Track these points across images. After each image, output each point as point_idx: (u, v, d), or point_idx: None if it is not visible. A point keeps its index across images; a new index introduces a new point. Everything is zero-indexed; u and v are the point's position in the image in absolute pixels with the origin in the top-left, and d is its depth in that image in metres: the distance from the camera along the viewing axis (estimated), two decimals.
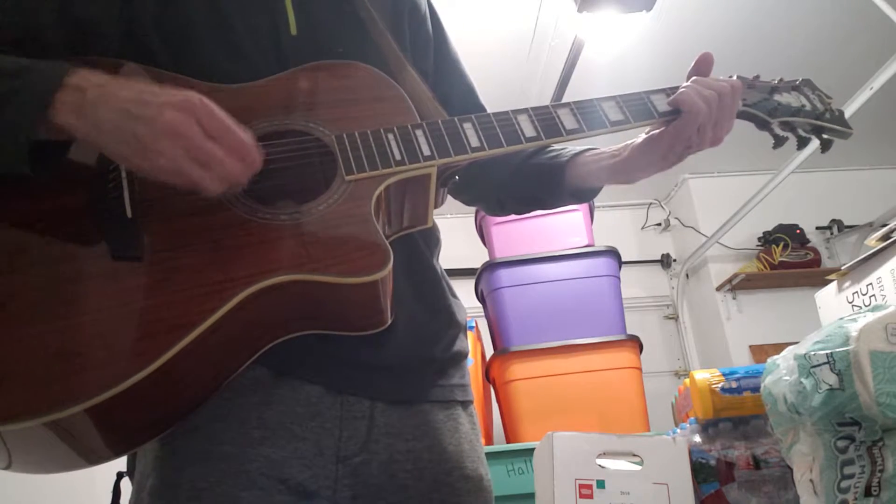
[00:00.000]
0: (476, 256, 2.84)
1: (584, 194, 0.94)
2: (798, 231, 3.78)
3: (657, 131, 0.85)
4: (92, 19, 0.78)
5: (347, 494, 0.75)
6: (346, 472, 0.75)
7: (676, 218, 4.18)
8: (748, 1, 2.81)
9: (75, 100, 0.64)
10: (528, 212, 1.04)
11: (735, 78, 0.88)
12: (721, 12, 2.85)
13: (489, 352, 2.69)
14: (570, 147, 0.94)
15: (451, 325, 0.89)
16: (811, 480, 1.30)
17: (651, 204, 4.27)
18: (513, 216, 1.92)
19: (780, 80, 0.94)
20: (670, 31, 2.89)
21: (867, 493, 1.17)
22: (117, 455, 0.69)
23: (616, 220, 4.07)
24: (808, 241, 3.79)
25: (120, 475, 0.81)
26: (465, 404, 0.87)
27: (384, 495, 0.76)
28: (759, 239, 3.85)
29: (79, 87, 0.65)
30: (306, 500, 0.73)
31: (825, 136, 0.92)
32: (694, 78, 0.85)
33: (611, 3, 2.30)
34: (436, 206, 0.84)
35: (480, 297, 2.83)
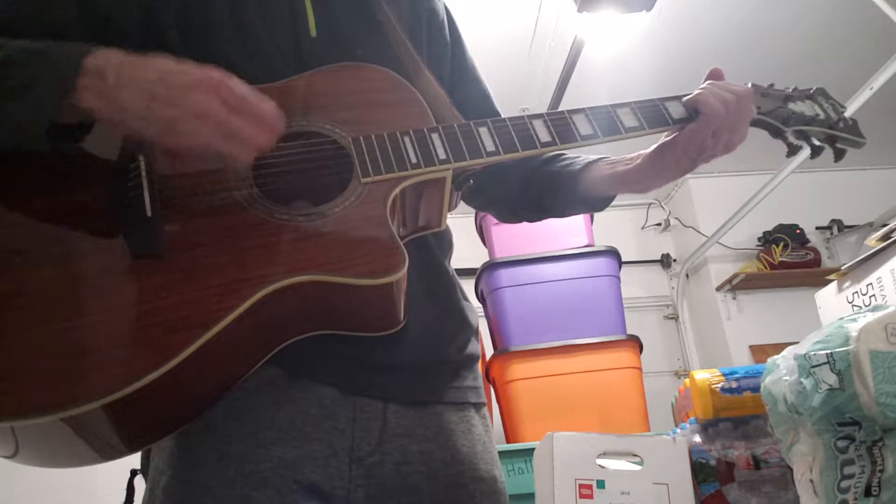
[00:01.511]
0: (476, 256, 2.84)
1: (596, 203, 0.94)
2: (798, 231, 3.79)
3: (670, 137, 0.85)
4: (112, 17, 0.78)
5: (361, 495, 0.75)
6: (360, 472, 0.75)
7: (676, 218, 4.18)
8: (748, 1, 2.81)
9: (97, 83, 0.65)
10: (541, 219, 1.04)
11: (750, 85, 0.88)
12: (721, 12, 2.85)
13: (489, 352, 2.69)
14: (584, 156, 0.94)
15: (463, 327, 0.89)
16: (811, 480, 1.30)
17: (651, 204, 4.27)
18: None
19: (794, 88, 0.95)
20: (670, 31, 2.89)
21: (867, 493, 1.17)
22: (131, 451, 0.69)
23: (616, 220, 4.06)
24: (808, 241, 3.79)
25: (134, 472, 0.82)
26: (478, 406, 0.88)
27: (398, 496, 0.76)
28: (759, 239, 3.85)
29: (98, 70, 0.66)
30: (320, 500, 0.73)
31: (839, 145, 0.93)
32: (710, 81, 0.85)
33: (611, 2, 2.30)
34: (449, 209, 0.85)
35: (480, 297, 2.83)
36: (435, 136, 0.79)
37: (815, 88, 0.96)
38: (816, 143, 0.91)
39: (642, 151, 0.88)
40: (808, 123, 0.91)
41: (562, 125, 0.82)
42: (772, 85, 0.93)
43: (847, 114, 0.96)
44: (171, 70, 0.67)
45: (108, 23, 0.78)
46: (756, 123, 0.89)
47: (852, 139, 0.93)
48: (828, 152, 0.93)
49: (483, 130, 0.81)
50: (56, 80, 0.65)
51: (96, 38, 0.76)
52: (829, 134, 0.92)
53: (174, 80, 0.66)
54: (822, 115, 0.93)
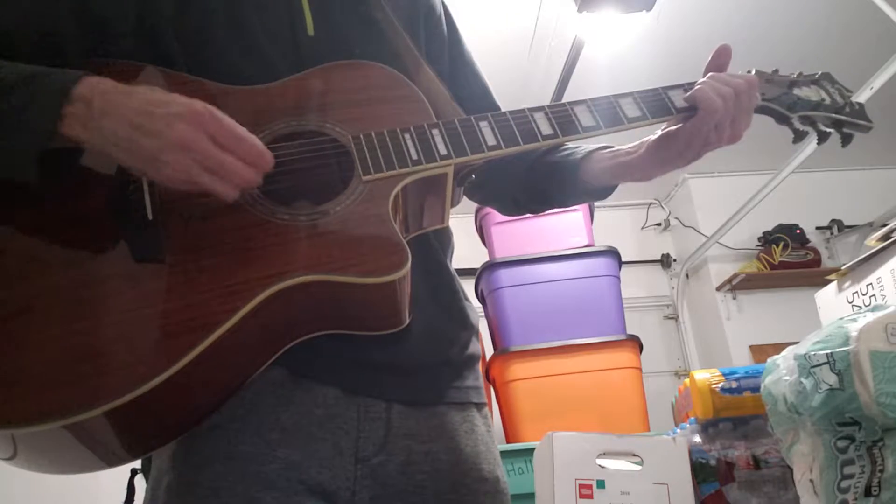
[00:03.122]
0: (476, 256, 2.84)
1: (598, 192, 0.94)
2: (798, 231, 3.78)
3: (674, 128, 0.84)
4: (107, 19, 0.78)
5: (366, 495, 0.75)
6: (365, 472, 0.75)
7: (676, 218, 4.18)
8: (748, 1, 2.81)
9: (83, 112, 0.65)
10: (543, 210, 1.03)
11: (753, 72, 0.87)
12: (721, 12, 2.85)
13: (489, 352, 2.69)
14: (585, 145, 0.94)
15: (465, 327, 0.89)
16: (811, 480, 1.30)
17: (651, 204, 4.27)
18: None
19: (800, 73, 0.93)
20: (670, 31, 2.89)
21: (867, 493, 1.17)
22: (135, 458, 0.69)
23: (616, 220, 4.06)
24: (808, 241, 3.79)
25: (134, 472, 0.81)
26: (480, 406, 0.87)
27: (402, 496, 0.76)
28: (759, 239, 3.85)
29: (85, 99, 0.65)
30: (325, 500, 0.72)
31: (845, 130, 0.91)
32: (710, 74, 0.84)
33: (611, 2, 2.30)
34: (452, 206, 0.84)
35: (480, 297, 2.83)
36: (435, 131, 0.78)
37: (820, 73, 0.94)
38: (823, 128, 0.90)
39: (645, 140, 0.87)
40: (814, 109, 0.89)
41: (563, 117, 0.82)
42: (776, 71, 0.92)
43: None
44: (157, 100, 0.66)
45: (104, 25, 0.77)
46: (761, 110, 0.88)
47: (859, 123, 0.91)
48: (829, 151, 0.92)
49: (484, 125, 0.80)
50: (43, 109, 0.65)
51: (92, 41, 0.76)
52: (835, 119, 0.90)
53: (159, 111, 0.65)
54: (828, 100, 0.91)
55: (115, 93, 0.66)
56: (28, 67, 0.68)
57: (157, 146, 0.64)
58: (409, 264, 0.70)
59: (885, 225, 1.65)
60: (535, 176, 0.97)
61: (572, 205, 1.01)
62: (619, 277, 2.68)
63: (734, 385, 1.86)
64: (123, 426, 0.62)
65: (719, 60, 0.87)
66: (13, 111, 0.65)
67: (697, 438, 1.89)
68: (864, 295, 1.58)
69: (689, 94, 0.83)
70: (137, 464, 0.80)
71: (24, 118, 0.65)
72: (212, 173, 0.65)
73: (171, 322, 0.64)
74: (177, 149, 0.64)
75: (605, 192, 0.94)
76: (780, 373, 1.36)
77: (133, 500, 0.81)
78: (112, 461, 0.67)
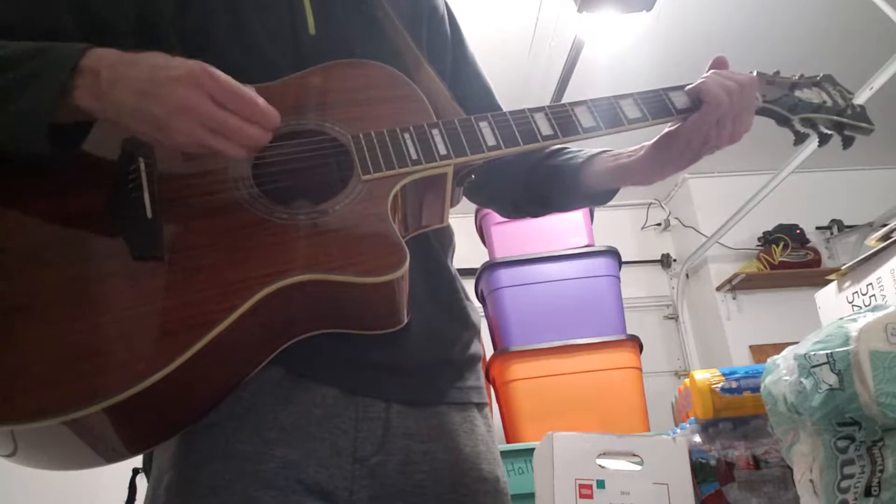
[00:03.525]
0: (476, 256, 2.84)
1: (599, 196, 0.94)
2: (798, 231, 3.78)
3: (674, 128, 0.84)
4: (108, 19, 0.78)
5: (364, 495, 0.75)
6: (364, 472, 0.75)
7: (676, 218, 4.18)
8: (748, 1, 2.81)
9: (91, 83, 0.66)
10: (543, 214, 1.03)
11: (755, 73, 0.87)
12: (720, 12, 2.85)
13: (489, 352, 2.69)
14: (587, 149, 0.93)
15: (466, 327, 0.89)
16: (811, 480, 1.30)
17: (651, 204, 4.27)
18: None
19: (801, 75, 0.93)
20: (670, 31, 2.89)
21: (867, 493, 1.17)
22: (133, 454, 0.69)
23: (616, 220, 4.06)
24: (808, 241, 3.79)
25: (136, 471, 0.82)
26: (481, 406, 0.87)
27: (401, 496, 0.76)
28: (759, 239, 3.85)
29: (93, 70, 0.66)
30: (323, 500, 0.72)
31: (847, 132, 0.91)
32: (714, 70, 0.84)
33: (611, 2, 2.30)
34: (451, 206, 0.84)
35: (480, 297, 2.83)
36: (435, 131, 0.78)
37: (821, 75, 0.94)
38: (824, 130, 0.90)
39: (645, 143, 0.87)
40: (815, 111, 0.89)
41: (563, 118, 0.82)
42: (777, 72, 0.92)
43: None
44: (159, 66, 0.67)
45: (105, 25, 0.78)
46: (762, 112, 0.87)
47: (861, 126, 0.90)
48: (829, 151, 0.92)
49: (484, 125, 0.80)
50: (53, 81, 0.65)
51: (92, 40, 0.76)
52: (836, 121, 0.90)
53: (161, 77, 0.66)
54: (829, 103, 0.91)
55: (121, 63, 0.67)
56: (35, 45, 0.69)
57: (163, 112, 0.65)
58: (407, 264, 0.69)
59: (885, 225, 1.65)
60: (535, 179, 0.97)
61: (572, 209, 1.01)
62: (619, 277, 2.68)
63: (734, 385, 1.86)
64: (122, 423, 0.63)
65: (716, 69, 0.86)
66: (21, 87, 0.66)
67: (697, 438, 1.89)
68: (864, 295, 1.58)
69: (692, 86, 0.83)
70: (139, 463, 0.80)
71: (33, 88, 0.65)
72: (216, 133, 0.66)
73: (169, 320, 0.64)
74: (181, 113, 0.65)
75: (605, 196, 0.94)
76: (780, 373, 1.36)
77: (135, 500, 0.81)
78: (111, 458, 0.67)
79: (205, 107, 0.65)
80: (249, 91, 0.68)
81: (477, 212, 2.89)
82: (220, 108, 0.66)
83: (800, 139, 0.89)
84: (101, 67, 0.66)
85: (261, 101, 0.68)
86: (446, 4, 1.02)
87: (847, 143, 0.91)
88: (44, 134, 0.66)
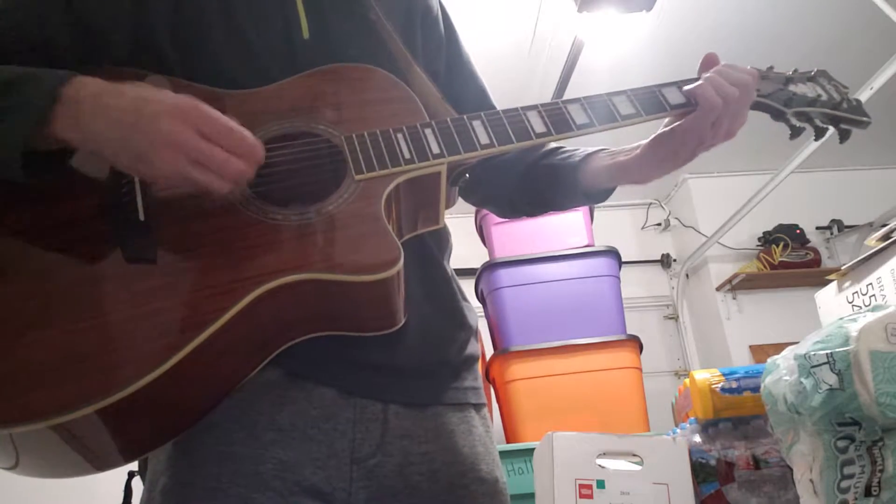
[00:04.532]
0: (476, 256, 2.84)
1: (596, 195, 0.94)
2: (798, 231, 3.78)
3: (669, 127, 0.84)
4: (102, 26, 0.78)
5: (363, 497, 0.75)
6: (361, 473, 0.75)
7: (676, 218, 4.18)
8: (748, 1, 2.81)
9: (72, 112, 0.65)
10: (540, 214, 1.03)
11: (749, 69, 0.87)
12: (721, 12, 2.85)
13: (489, 352, 2.69)
14: (583, 148, 0.94)
15: (463, 327, 0.89)
16: (811, 480, 1.30)
17: (651, 204, 4.27)
18: None
19: (795, 70, 0.93)
20: (670, 31, 2.89)
21: (867, 493, 1.17)
22: (127, 461, 0.69)
23: (616, 220, 4.06)
24: (808, 241, 3.79)
25: (131, 474, 0.82)
26: (479, 407, 0.87)
27: (400, 497, 0.76)
28: (759, 239, 3.85)
29: (75, 99, 0.65)
30: (321, 501, 0.72)
31: (843, 126, 0.91)
32: (715, 68, 0.84)
33: (611, 2, 2.31)
34: (447, 207, 0.84)
35: (480, 297, 2.83)
36: (428, 130, 0.78)
37: (816, 70, 0.94)
38: (820, 124, 0.90)
39: (641, 142, 0.87)
40: (810, 105, 0.89)
41: (557, 115, 0.82)
42: (771, 67, 0.92)
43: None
44: (144, 98, 0.66)
45: (98, 35, 0.77)
46: (756, 106, 0.87)
47: (857, 119, 0.90)
48: (828, 151, 0.92)
49: (476, 123, 0.80)
50: (31, 110, 0.65)
51: (86, 48, 0.76)
52: (832, 115, 0.90)
53: (146, 109, 0.65)
54: (824, 97, 0.91)
55: (104, 94, 0.66)
56: (16, 69, 0.68)
57: (146, 145, 0.64)
58: (401, 262, 0.69)
59: (885, 225, 1.65)
60: (532, 178, 0.97)
61: (569, 208, 1.01)
62: (619, 277, 2.68)
63: (734, 385, 1.86)
64: (115, 426, 0.62)
65: (706, 69, 0.86)
66: (2, 108, 0.65)
67: (697, 438, 1.89)
68: (864, 295, 1.58)
69: (688, 89, 0.83)
70: (134, 466, 0.80)
71: (10, 118, 0.65)
72: (202, 167, 0.65)
73: (161, 322, 0.64)
74: (165, 146, 0.64)
75: (602, 195, 0.94)
76: (780, 373, 1.36)
77: (130, 503, 0.81)
78: (106, 463, 0.67)
79: (192, 141, 0.65)
80: (236, 125, 0.67)
81: (477, 212, 2.89)
82: (206, 142, 0.65)
83: (795, 133, 0.89)
84: (82, 97, 0.65)
85: (248, 134, 0.68)
86: (441, 5, 1.02)
87: (844, 136, 0.91)
88: (17, 163, 0.65)
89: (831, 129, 0.91)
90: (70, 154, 0.69)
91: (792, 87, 0.91)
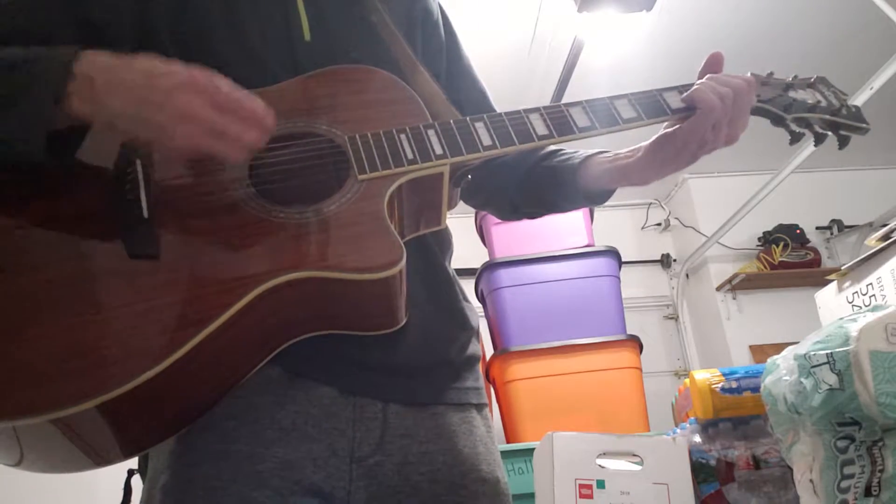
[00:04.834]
0: (476, 256, 2.84)
1: (597, 196, 0.94)
2: (798, 231, 3.78)
3: (670, 129, 0.84)
4: (104, 24, 0.78)
5: (362, 496, 0.75)
6: (361, 473, 0.75)
7: (676, 218, 4.18)
8: (748, 1, 2.81)
9: (86, 88, 0.66)
10: (541, 215, 1.03)
11: (749, 75, 0.88)
12: (721, 12, 2.85)
13: (489, 352, 2.69)
14: (583, 150, 0.94)
15: (464, 328, 0.89)
16: (811, 480, 1.30)
17: (651, 204, 4.27)
18: None
19: (795, 76, 0.94)
20: (670, 31, 2.89)
21: (867, 493, 1.17)
22: (127, 457, 0.69)
23: (616, 220, 4.06)
24: (808, 241, 3.79)
25: (131, 472, 0.82)
26: (480, 407, 0.87)
27: (399, 497, 0.76)
28: (759, 239, 3.85)
29: (87, 75, 0.66)
30: (321, 501, 0.72)
31: (842, 132, 0.91)
32: (709, 76, 0.84)
33: (611, 2, 2.31)
34: (449, 208, 0.84)
35: (480, 297, 2.83)
36: (431, 131, 0.78)
37: (815, 77, 0.95)
38: (819, 130, 0.90)
39: (642, 144, 0.87)
40: (809, 111, 0.90)
41: (559, 118, 0.82)
42: (771, 74, 0.93)
43: None
44: (157, 72, 0.67)
45: (101, 33, 0.78)
46: (756, 112, 0.88)
47: (856, 125, 0.91)
48: (828, 151, 0.92)
49: (479, 125, 0.80)
50: (46, 88, 0.65)
51: (89, 46, 0.76)
52: (831, 121, 0.91)
53: (159, 83, 0.66)
54: (823, 103, 0.92)
55: (116, 67, 0.67)
56: (27, 51, 0.68)
57: (162, 119, 0.65)
58: (403, 261, 0.70)
59: (885, 225, 1.65)
60: (533, 180, 0.97)
61: (569, 210, 1.01)
62: (619, 277, 2.68)
63: (734, 385, 1.86)
64: (115, 422, 0.63)
65: (711, 68, 0.87)
66: (13, 96, 0.65)
67: (697, 438, 1.89)
68: (864, 295, 1.58)
69: (686, 94, 0.83)
70: (134, 464, 0.80)
71: (27, 98, 0.65)
72: (217, 138, 0.66)
73: (163, 318, 0.64)
74: (181, 119, 0.65)
75: (602, 196, 0.94)
76: (780, 373, 1.36)
77: (130, 501, 0.81)
78: (106, 459, 0.67)
79: (207, 113, 0.66)
80: (249, 95, 0.69)
81: (477, 212, 2.89)
82: (221, 114, 0.66)
83: (795, 138, 0.90)
84: (94, 72, 0.66)
85: (259, 103, 0.69)
86: (441, 9, 1.02)
87: (843, 142, 0.92)
88: (41, 143, 0.65)
89: (830, 135, 0.92)
90: (82, 136, 0.70)
91: (792, 93, 0.92)
